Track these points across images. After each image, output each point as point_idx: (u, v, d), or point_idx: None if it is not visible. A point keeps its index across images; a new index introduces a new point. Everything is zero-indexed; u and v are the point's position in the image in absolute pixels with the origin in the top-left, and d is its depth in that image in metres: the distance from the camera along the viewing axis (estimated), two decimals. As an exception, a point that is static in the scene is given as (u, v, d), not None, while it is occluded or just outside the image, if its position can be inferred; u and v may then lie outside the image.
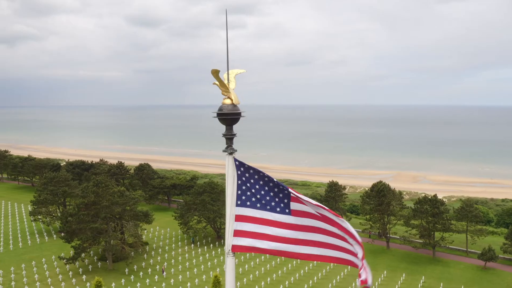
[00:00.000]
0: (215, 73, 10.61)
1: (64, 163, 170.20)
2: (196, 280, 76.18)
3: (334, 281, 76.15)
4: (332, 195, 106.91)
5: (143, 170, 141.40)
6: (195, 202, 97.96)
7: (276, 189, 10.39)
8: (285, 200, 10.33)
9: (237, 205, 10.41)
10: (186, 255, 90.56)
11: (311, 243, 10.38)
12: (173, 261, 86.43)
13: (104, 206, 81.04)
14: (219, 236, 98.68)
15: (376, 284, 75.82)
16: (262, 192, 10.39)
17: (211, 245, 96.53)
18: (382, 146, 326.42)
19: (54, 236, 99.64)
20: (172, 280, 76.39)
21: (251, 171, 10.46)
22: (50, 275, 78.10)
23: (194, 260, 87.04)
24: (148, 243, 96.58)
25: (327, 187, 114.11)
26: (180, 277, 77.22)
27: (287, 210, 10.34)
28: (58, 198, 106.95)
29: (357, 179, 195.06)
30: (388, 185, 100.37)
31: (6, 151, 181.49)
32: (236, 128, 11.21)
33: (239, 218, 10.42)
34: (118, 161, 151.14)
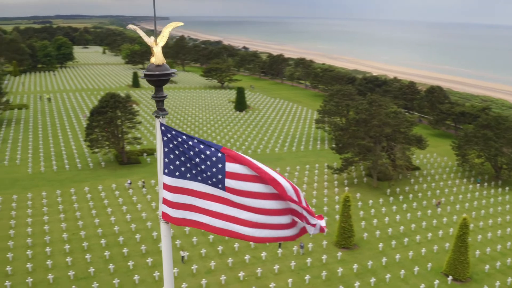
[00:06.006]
0: (135, 29, 9.60)
1: (361, 76, 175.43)
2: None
3: None
4: None
5: (434, 93, 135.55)
6: (476, 135, 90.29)
7: (206, 156, 9.33)
8: (219, 165, 9.19)
9: (165, 173, 9.67)
10: (455, 188, 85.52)
11: (245, 223, 9.46)
12: (437, 192, 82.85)
13: (374, 125, 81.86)
14: (498, 176, 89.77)
15: None
16: (192, 161, 9.45)
17: (485, 184, 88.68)
18: None
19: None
20: (439, 209, 74.11)
21: (179, 139, 9.43)
22: (318, 180, 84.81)
23: (460, 196, 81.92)
24: (420, 168, 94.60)
25: None
26: (448, 208, 75.21)
27: (220, 186, 9.36)
28: (341, 110, 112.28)
29: None
30: None
31: (311, 61, 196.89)
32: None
33: (167, 187, 9.73)
34: (410, 81, 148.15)
